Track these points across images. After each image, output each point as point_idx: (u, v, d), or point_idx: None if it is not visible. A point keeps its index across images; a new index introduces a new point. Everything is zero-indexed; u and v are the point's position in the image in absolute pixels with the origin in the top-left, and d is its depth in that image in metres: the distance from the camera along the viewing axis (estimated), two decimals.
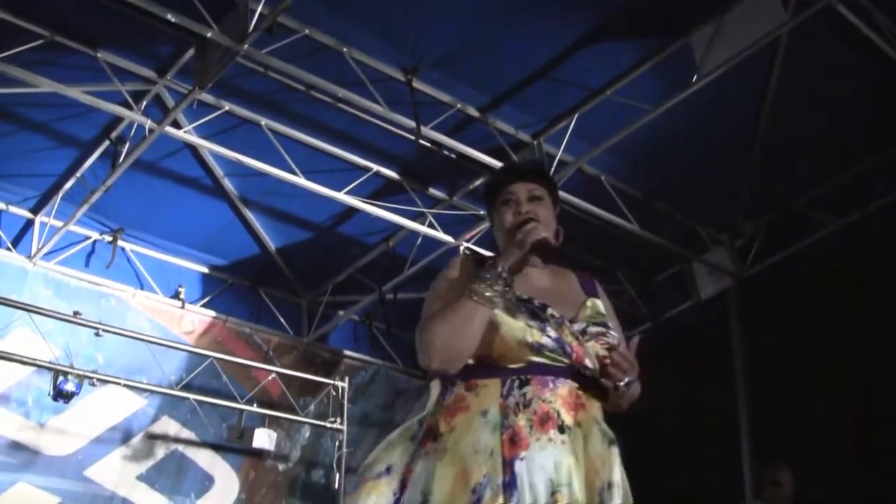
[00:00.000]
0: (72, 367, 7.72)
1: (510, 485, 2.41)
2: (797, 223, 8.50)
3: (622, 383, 2.61)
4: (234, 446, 8.99)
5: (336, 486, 9.04)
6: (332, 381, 9.62)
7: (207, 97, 7.00)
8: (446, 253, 8.32)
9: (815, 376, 8.25)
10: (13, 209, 8.28)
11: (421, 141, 7.29)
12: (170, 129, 7.01)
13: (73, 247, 8.54)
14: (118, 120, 7.22)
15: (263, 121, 7.39)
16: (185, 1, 5.86)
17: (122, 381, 8.17)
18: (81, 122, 7.32)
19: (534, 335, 2.59)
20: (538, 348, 2.58)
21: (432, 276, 2.93)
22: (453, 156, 7.56)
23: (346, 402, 9.56)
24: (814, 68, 6.97)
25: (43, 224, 8.27)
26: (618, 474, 2.51)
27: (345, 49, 6.67)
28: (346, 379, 9.73)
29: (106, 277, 8.68)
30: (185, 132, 7.16)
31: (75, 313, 8.05)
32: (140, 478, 8.54)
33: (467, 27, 6.56)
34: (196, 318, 9.32)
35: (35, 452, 7.91)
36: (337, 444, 9.39)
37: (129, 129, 7.29)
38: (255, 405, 9.05)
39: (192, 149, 7.81)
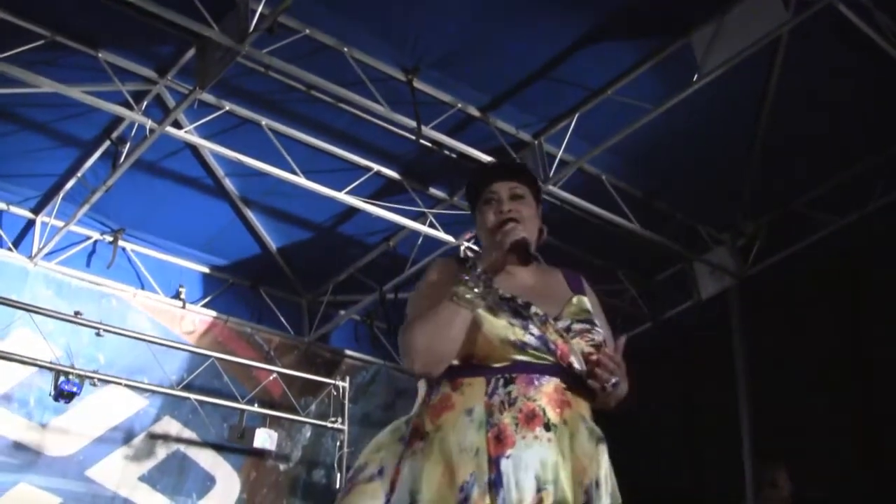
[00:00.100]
0: (73, 367, 7.73)
1: (496, 483, 2.40)
2: (798, 223, 8.49)
3: (609, 384, 2.60)
4: (235, 446, 9.00)
5: (337, 486, 9.05)
6: (333, 381, 9.64)
7: (208, 97, 7.00)
8: (447, 253, 8.32)
9: (815, 376, 8.26)
10: (14, 209, 8.29)
11: (422, 141, 7.29)
12: (170, 129, 7.01)
13: (74, 247, 8.54)
14: (119, 120, 7.23)
15: (264, 121, 7.39)
16: (186, 1, 5.86)
17: (124, 382, 8.19)
18: (82, 122, 7.33)
19: (517, 333, 2.59)
20: (521, 346, 2.58)
21: None
22: (454, 155, 7.57)
23: (346, 401, 9.58)
24: (814, 68, 6.97)
25: (44, 224, 8.28)
26: (605, 472, 2.52)
27: (345, 49, 6.67)
28: (347, 379, 9.75)
29: (107, 277, 8.69)
30: (185, 132, 7.17)
31: (76, 313, 8.07)
32: (142, 478, 8.54)
33: (467, 27, 6.56)
34: (197, 318, 9.32)
35: (37, 453, 7.91)
36: (338, 443, 9.41)
37: (129, 129, 7.30)
38: (256, 405, 9.07)
39: (193, 149, 7.82)
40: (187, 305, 9.21)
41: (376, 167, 7.96)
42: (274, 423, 9.13)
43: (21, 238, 8.34)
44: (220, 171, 8.22)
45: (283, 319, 9.89)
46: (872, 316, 8.28)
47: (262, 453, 9.17)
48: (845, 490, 7.52)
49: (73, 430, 8.16)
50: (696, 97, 6.76)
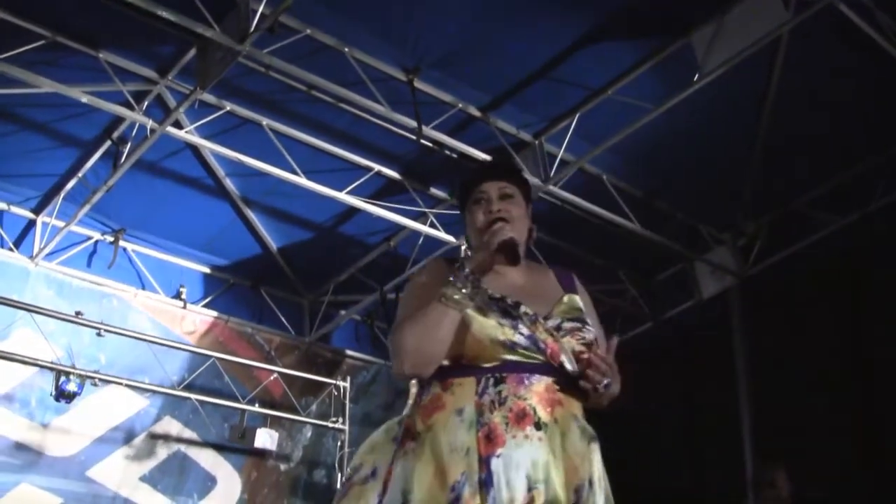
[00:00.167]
0: (74, 367, 7.73)
1: (487, 482, 2.40)
2: (798, 223, 8.50)
3: (600, 385, 2.60)
4: (236, 446, 9.00)
5: (338, 486, 9.04)
6: (333, 381, 9.65)
7: (209, 97, 7.01)
8: (448, 253, 8.32)
9: (815, 376, 8.25)
10: (15, 209, 8.29)
11: (422, 141, 7.28)
12: (171, 130, 7.02)
13: (75, 247, 8.55)
14: (120, 120, 7.23)
15: (265, 121, 7.40)
16: (187, 1, 5.86)
17: (124, 382, 8.20)
18: (83, 123, 7.33)
19: (506, 333, 2.59)
20: (511, 346, 2.58)
21: None
22: (455, 155, 7.57)
23: (347, 401, 9.59)
24: (815, 68, 6.97)
25: (45, 224, 8.29)
26: (598, 471, 2.52)
27: (346, 49, 6.67)
28: (348, 379, 9.77)
29: (108, 277, 8.69)
30: (186, 132, 7.17)
31: (77, 313, 8.08)
32: (143, 478, 8.55)
33: (467, 27, 6.56)
34: (198, 318, 9.33)
35: (38, 453, 7.92)
36: (339, 443, 9.42)
37: (130, 130, 7.30)
38: (257, 405, 9.08)
39: (194, 149, 7.82)
40: (188, 305, 9.22)
41: (377, 167, 7.96)
42: (275, 423, 9.14)
43: (22, 238, 8.35)
44: (220, 171, 8.23)
45: (283, 319, 9.89)
46: (873, 316, 8.28)
47: (262, 453, 9.18)
48: (845, 490, 7.52)
49: (75, 430, 8.16)
50: (696, 97, 6.76)
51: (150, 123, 6.94)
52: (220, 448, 9.11)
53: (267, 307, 9.86)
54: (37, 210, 8.34)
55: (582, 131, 7.41)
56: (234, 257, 9.47)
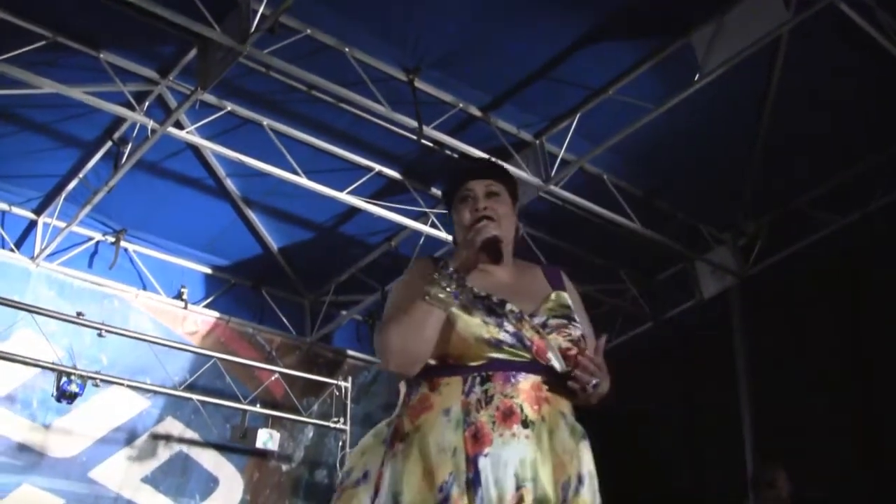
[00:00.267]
0: (75, 367, 7.74)
1: (474, 482, 2.41)
2: (799, 222, 8.50)
3: (589, 385, 2.59)
4: (238, 446, 9.00)
5: None
6: (335, 381, 9.66)
7: (209, 97, 7.02)
8: (448, 252, 8.30)
9: (815, 376, 8.24)
10: (16, 210, 8.29)
11: (423, 141, 7.29)
12: (172, 130, 7.02)
13: (76, 247, 8.55)
14: (120, 120, 7.23)
15: (265, 121, 7.40)
16: (187, 1, 5.86)
17: (126, 382, 8.20)
18: (84, 123, 7.33)
19: (491, 331, 2.58)
20: (496, 344, 2.58)
21: None
22: (455, 155, 7.57)
23: (349, 401, 9.59)
24: (815, 67, 6.97)
25: (46, 225, 8.29)
26: (587, 469, 2.52)
27: (346, 49, 6.68)
28: (349, 379, 9.78)
29: (109, 278, 8.70)
30: (187, 132, 7.17)
31: (78, 314, 8.09)
32: (145, 479, 8.55)
33: (467, 27, 6.57)
34: (199, 318, 9.34)
35: (40, 454, 7.92)
36: (340, 444, 9.41)
37: (131, 130, 7.31)
38: (259, 405, 9.07)
39: (195, 149, 7.83)
40: (189, 306, 9.23)
41: (378, 167, 7.97)
42: (276, 423, 9.14)
43: (23, 239, 8.35)
44: (221, 172, 8.23)
45: (284, 320, 9.89)
46: (873, 316, 8.27)
47: (264, 454, 9.18)
48: (845, 490, 7.51)
49: (76, 431, 8.17)
50: (697, 97, 6.76)
51: (150, 124, 6.95)
52: (221, 449, 9.11)
53: (268, 307, 9.87)
54: (38, 211, 8.34)
55: (583, 131, 7.41)
56: (235, 258, 9.47)
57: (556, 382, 2.61)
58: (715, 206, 8.63)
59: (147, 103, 6.95)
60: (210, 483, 9.00)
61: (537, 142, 7.70)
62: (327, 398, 9.72)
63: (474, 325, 2.59)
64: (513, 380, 2.55)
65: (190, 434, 8.94)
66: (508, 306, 2.65)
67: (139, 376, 8.41)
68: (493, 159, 3.32)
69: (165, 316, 9.10)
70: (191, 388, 8.67)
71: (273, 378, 9.43)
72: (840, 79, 7.04)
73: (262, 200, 8.65)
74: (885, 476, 7.71)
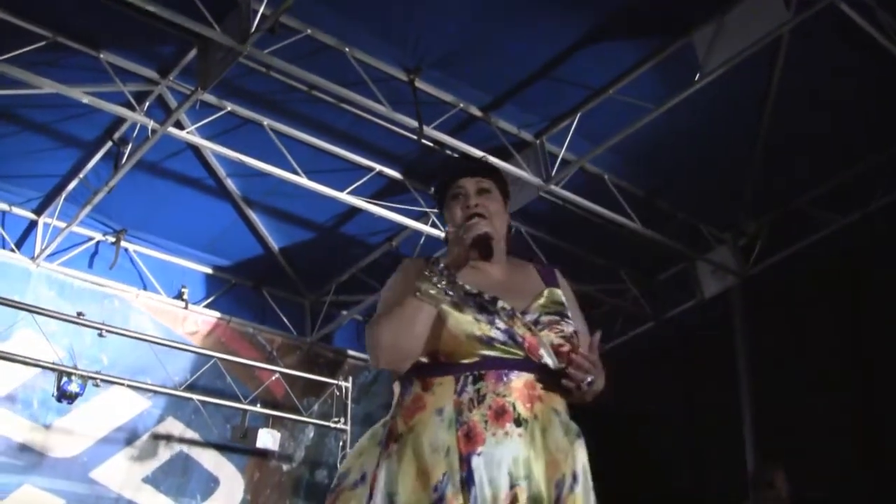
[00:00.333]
0: (75, 368, 7.74)
1: (468, 481, 2.41)
2: (799, 222, 8.50)
3: (584, 383, 2.60)
4: (238, 446, 9.00)
5: None
6: (335, 381, 9.66)
7: (210, 97, 7.02)
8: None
9: (815, 376, 8.23)
10: (16, 210, 8.29)
11: (423, 141, 7.29)
12: (172, 130, 7.02)
13: (77, 248, 8.56)
14: (121, 121, 7.24)
15: (266, 121, 7.40)
16: (187, 1, 5.86)
17: (126, 382, 8.20)
18: (84, 123, 7.34)
19: (482, 328, 2.59)
20: (488, 341, 2.58)
21: None
22: (456, 155, 7.56)
23: (349, 402, 9.59)
24: (815, 67, 6.97)
25: (46, 225, 8.29)
26: (581, 467, 2.53)
27: (347, 49, 6.67)
28: (350, 379, 9.78)
29: (109, 278, 8.70)
30: (187, 133, 7.17)
31: (79, 314, 8.09)
32: (145, 479, 8.55)
33: (467, 27, 6.56)
34: (199, 318, 9.34)
35: (40, 454, 7.92)
36: (341, 444, 9.41)
37: (131, 130, 7.31)
38: (259, 405, 9.07)
39: (195, 149, 7.83)
40: (190, 306, 9.23)
41: (378, 167, 7.97)
42: (277, 423, 9.13)
43: (23, 239, 8.35)
44: (221, 172, 8.24)
45: (285, 320, 9.90)
46: (873, 316, 8.26)
47: (265, 454, 9.18)
48: (845, 490, 7.51)
49: (77, 431, 8.17)
50: (697, 97, 6.76)
51: (151, 124, 6.95)
52: (222, 449, 9.11)
53: (269, 307, 9.87)
54: (38, 211, 8.34)
55: (583, 131, 7.41)
56: (236, 258, 9.48)
57: (549, 380, 2.61)
58: (716, 206, 8.62)
59: (147, 103, 6.96)
60: (211, 483, 9.00)
61: (538, 142, 7.69)
62: (328, 398, 9.72)
63: (466, 322, 2.59)
64: (505, 378, 2.55)
65: (190, 434, 8.94)
66: (500, 303, 2.65)
67: (140, 376, 8.41)
68: (486, 156, 3.33)
69: (166, 316, 9.10)
70: (191, 388, 8.68)
71: (273, 378, 9.43)
72: (840, 79, 7.04)
73: (263, 200, 8.65)
74: (886, 476, 7.70)
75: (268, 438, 8.79)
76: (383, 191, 8.19)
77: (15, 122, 7.30)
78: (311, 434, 9.83)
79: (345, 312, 9.95)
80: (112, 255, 8.64)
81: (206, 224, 8.86)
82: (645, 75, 6.98)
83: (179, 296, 9.19)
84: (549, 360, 2.63)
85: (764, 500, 6.60)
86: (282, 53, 6.33)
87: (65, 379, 7.65)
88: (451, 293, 2.59)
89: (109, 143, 7.47)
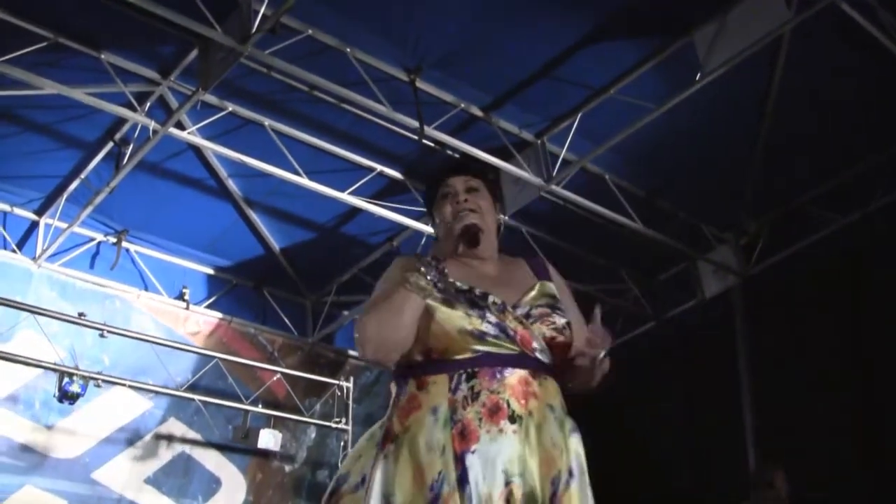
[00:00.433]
0: (77, 368, 7.74)
1: (462, 479, 2.41)
2: (800, 222, 8.50)
3: (599, 357, 2.62)
4: (239, 446, 8.99)
5: None
6: (336, 382, 9.65)
7: (211, 98, 7.03)
8: None
9: (816, 376, 8.22)
10: (18, 211, 8.29)
11: (424, 141, 7.30)
12: (173, 131, 7.02)
13: (78, 248, 8.55)
14: (122, 121, 7.24)
15: (267, 121, 7.40)
16: (188, 2, 5.86)
17: (128, 383, 8.19)
18: (85, 124, 7.34)
19: (473, 323, 2.60)
20: (480, 336, 2.59)
21: None
22: (457, 155, 7.57)
23: (351, 402, 9.59)
24: (816, 67, 6.97)
25: (47, 226, 8.28)
26: (577, 463, 2.53)
27: (348, 49, 6.68)
28: (351, 379, 9.77)
29: (110, 279, 8.69)
30: (188, 133, 7.18)
31: (80, 315, 8.09)
32: (147, 480, 8.54)
33: (468, 27, 6.57)
34: (201, 318, 9.34)
35: (42, 455, 7.91)
36: (342, 444, 9.41)
37: (132, 131, 7.32)
38: (261, 406, 9.06)
39: (196, 150, 7.84)
40: (191, 306, 9.23)
41: (379, 167, 7.98)
42: (278, 423, 9.13)
43: (25, 240, 8.35)
44: (223, 172, 8.24)
45: (286, 320, 9.90)
46: (874, 316, 8.25)
47: (267, 454, 9.18)
48: (846, 490, 7.51)
49: (79, 431, 8.16)
50: (698, 96, 6.76)
51: (152, 124, 6.95)
52: (224, 449, 9.11)
53: (270, 308, 9.88)
54: (39, 211, 8.34)
55: (584, 131, 7.41)
56: (237, 258, 9.48)
57: (544, 376, 2.63)
58: (716, 206, 8.63)
59: (148, 104, 6.96)
60: (212, 484, 9.00)
61: (539, 142, 7.70)
62: (329, 398, 9.72)
63: (457, 317, 2.60)
64: (499, 375, 2.55)
65: (192, 435, 8.94)
66: (491, 298, 2.66)
67: (141, 377, 8.40)
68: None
69: (167, 316, 9.10)
70: (193, 388, 8.68)
71: (275, 378, 9.43)
72: (841, 78, 7.04)
73: (264, 201, 8.66)
74: (886, 476, 7.69)
75: (269, 439, 8.79)
76: (384, 191, 8.19)
77: (16, 123, 7.30)
78: (313, 434, 9.83)
79: (346, 313, 9.95)
80: (113, 255, 8.64)
81: (207, 224, 8.87)
82: (646, 75, 6.98)
83: (181, 296, 9.19)
84: (542, 353, 2.64)
85: (764, 500, 6.61)
86: (283, 54, 6.34)
87: (66, 379, 7.64)
88: (439, 284, 2.59)
89: (111, 144, 7.48)
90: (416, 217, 8.19)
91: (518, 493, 2.42)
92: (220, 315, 9.45)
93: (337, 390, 9.64)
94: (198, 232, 8.99)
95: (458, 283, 2.68)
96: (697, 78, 6.59)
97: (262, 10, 5.93)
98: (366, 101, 6.81)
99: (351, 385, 9.67)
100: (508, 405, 2.51)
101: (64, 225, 8.15)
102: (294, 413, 9.42)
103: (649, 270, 9.68)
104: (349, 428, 9.40)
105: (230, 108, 7.24)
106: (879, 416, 7.97)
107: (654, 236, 8.38)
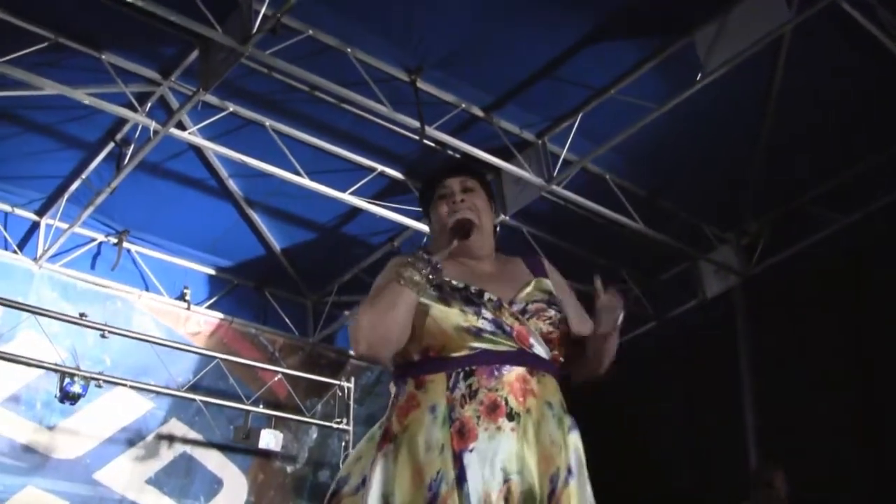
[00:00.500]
0: (78, 369, 7.74)
1: (461, 478, 2.41)
2: (801, 221, 8.50)
3: (619, 319, 2.65)
4: (241, 447, 8.99)
5: None
6: (337, 382, 9.65)
7: (212, 98, 7.03)
8: None
9: (818, 376, 8.22)
10: (19, 211, 8.29)
11: (425, 141, 7.30)
12: (174, 131, 7.03)
13: (79, 249, 8.56)
14: (123, 122, 7.24)
15: (268, 122, 7.41)
16: (189, 2, 5.86)
17: (129, 383, 8.18)
18: (86, 124, 7.34)
19: (469, 319, 2.59)
20: (476, 332, 2.59)
21: None
22: (458, 155, 7.57)
23: (352, 402, 9.59)
24: (817, 67, 6.97)
25: (48, 226, 8.28)
26: (576, 460, 2.54)
27: (348, 49, 6.68)
28: (352, 379, 9.77)
29: (111, 279, 8.70)
30: (189, 133, 7.18)
31: (81, 315, 8.09)
32: (149, 481, 8.53)
33: (469, 27, 6.57)
34: (202, 319, 9.34)
35: (44, 456, 7.91)
36: (343, 444, 9.41)
37: (133, 131, 7.32)
38: (262, 406, 9.06)
39: (197, 150, 7.84)
40: (192, 307, 9.23)
41: (380, 167, 7.98)
42: (280, 424, 9.13)
43: (26, 240, 8.35)
44: (223, 173, 8.24)
45: (287, 320, 9.90)
46: (875, 316, 8.25)
47: (268, 455, 9.18)
48: (846, 490, 7.51)
49: (80, 432, 8.16)
50: (699, 96, 6.76)
51: (153, 125, 6.96)
52: (225, 450, 9.11)
53: (271, 308, 9.88)
54: (40, 212, 8.34)
55: (585, 131, 7.41)
56: (238, 258, 9.48)
57: (542, 373, 2.63)
58: (717, 206, 8.63)
59: (149, 104, 6.97)
60: (214, 484, 9.00)
61: (539, 142, 7.70)
62: (330, 399, 9.72)
63: (452, 314, 2.60)
64: (496, 373, 2.55)
65: (193, 435, 8.93)
66: (487, 295, 2.67)
67: (142, 377, 8.40)
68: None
69: (168, 317, 9.10)
70: (194, 388, 8.69)
71: (276, 379, 9.43)
72: (842, 78, 7.04)
73: (265, 201, 8.66)
74: (887, 476, 7.69)
75: (270, 439, 8.79)
76: (385, 191, 8.20)
77: (17, 124, 7.30)
78: (315, 435, 9.83)
79: (347, 313, 9.94)
80: (114, 256, 8.64)
81: (208, 225, 8.87)
82: (646, 75, 6.98)
83: (182, 296, 9.19)
84: (539, 348, 2.64)
85: (763, 500, 6.60)
86: (283, 54, 6.34)
87: (67, 380, 7.65)
88: (433, 279, 2.60)
89: (111, 144, 7.49)
90: (417, 217, 8.18)
91: (516, 490, 2.42)
92: (221, 315, 9.46)
93: (338, 390, 9.64)
94: (199, 232, 8.99)
95: (454, 282, 2.69)
96: (698, 78, 6.58)
97: (263, 10, 5.93)
98: (367, 101, 6.81)
99: (352, 385, 9.67)
100: (506, 403, 2.51)
101: (65, 225, 8.15)
102: (295, 413, 9.42)
103: (650, 270, 9.67)
104: (350, 428, 9.40)
105: (231, 109, 7.25)
106: (881, 415, 7.96)
107: (655, 236, 8.38)
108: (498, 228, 3.00)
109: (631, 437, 9.04)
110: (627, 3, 6.36)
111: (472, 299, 2.65)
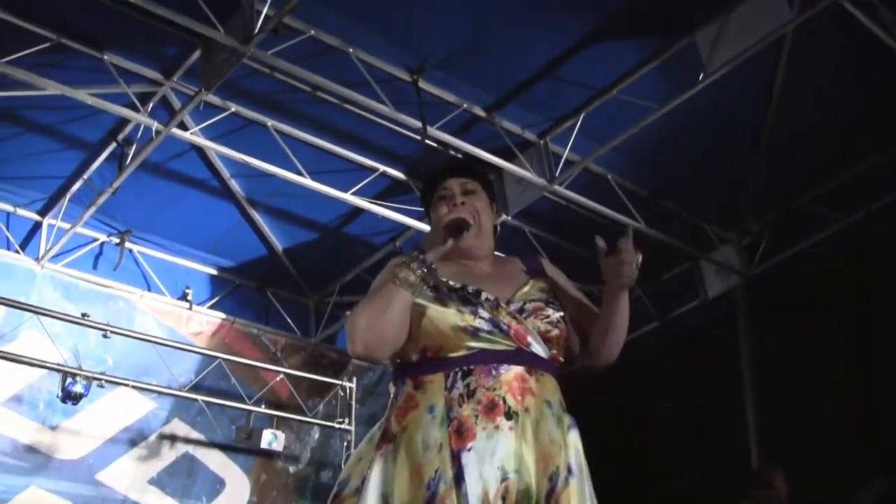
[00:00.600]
0: (80, 368, 7.74)
1: (458, 477, 2.41)
2: (803, 221, 8.50)
3: (637, 264, 2.64)
4: (243, 447, 8.99)
5: None
6: (339, 382, 9.64)
7: (214, 98, 7.03)
8: None
9: (819, 376, 8.21)
10: (21, 211, 8.29)
11: (427, 141, 7.31)
12: (176, 131, 7.03)
13: (81, 249, 8.56)
14: (125, 122, 7.24)
15: (270, 122, 7.41)
16: (191, 2, 5.87)
17: (131, 383, 8.18)
18: (88, 125, 7.34)
19: (466, 319, 2.60)
20: (474, 332, 2.59)
21: None
22: (460, 156, 7.57)
23: (354, 402, 9.58)
24: (819, 66, 6.97)
25: (51, 226, 8.29)
26: (576, 459, 2.54)
27: (350, 50, 6.68)
28: (354, 379, 9.76)
29: (113, 279, 8.70)
30: (191, 133, 7.19)
31: (83, 315, 8.09)
32: (151, 481, 8.53)
33: (469, 27, 6.57)
34: (204, 319, 9.34)
35: (47, 456, 7.91)
36: (345, 444, 9.41)
37: (135, 131, 7.32)
38: (264, 406, 9.06)
39: (199, 150, 7.85)
40: (194, 307, 9.23)
41: (382, 167, 7.98)
42: (282, 424, 9.13)
43: (28, 240, 8.35)
44: (225, 173, 8.24)
45: (289, 320, 9.90)
46: (876, 316, 8.24)
47: (271, 455, 9.18)
48: (847, 490, 7.50)
49: (83, 432, 8.16)
50: (700, 96, 6.76)
51: (155, 125, 6.96)
52: (228, 450, 9.11)
53: (273, 308, 9.88)
54: (42, 212, 8.35)
55: (587, 131, 7.42)
56: (240, 258, 9.49)
57: (541, 372, 2.63)
58: (719, 206, 8.63)
59: (151, 104, 6.97)
60: (216, 485, 9.00)
61: (541, 142, 7.70)
62: (332, 399, 9.72)
63: (449, 314, 2.61)
64: (494, 372, 2.56)
65: (195, 435, 8.94)
66: (484, 295, 2.67)
67: (144, 377, 8.40)
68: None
69: (170, 317, 9.11)
70: (196, 388, 8.68)
71: (278, 379, 9.43)
72: (844, 77, 7.04)
73: (267, 201, 8.66)
74: (888, 476, 7.68)
75: (271, 439, 8.79)
76: (387, 191, 8.20)
77: (19, 124, 7.31)
78: (317, 435, 9.83)
79: (349, 313, 9.89)
80: (116, 256, 8.65)
81: (210, 225, 8.87)
82: (648, 75, 6.99)
83: (184, 297, 9.19)
84: (537, 347, 2.64)
85: (763, 500, 6.59)
86: (285, 54, 6.34)
87: (69, 380, 7.65)
88: (428, 277, 2.60)
89: (113, 145, 7.50)
90: (419, 217, 8.19)
91: (514, 489, 2.43)
92: (222, 315, 9.46)
93: (340, 390, 9.63)
94: (201, 232, 8.99)
95: (451, 282, 2.69)
96: (700, 78, 6.58)
97: (265, 10, 5.93)
98: (368, 101, 6.82)
99: (354, 385, 9.66)
100: (504, 402, 2.51)
101: (67, 225, 8.16)
102: (297, 413, 9.42)
103: (652, 270, 9.66)
104: (352, 428, 9.39)
105: (233, 109, 7.25)
106: (882, 416, 7.96)
107: (657, 236, 8.38)
108: (498, 229, 3.01)
109: (631, 437, 9.04)
110: (628, 3, 6.37)
111: (469, 299, 2.65)
